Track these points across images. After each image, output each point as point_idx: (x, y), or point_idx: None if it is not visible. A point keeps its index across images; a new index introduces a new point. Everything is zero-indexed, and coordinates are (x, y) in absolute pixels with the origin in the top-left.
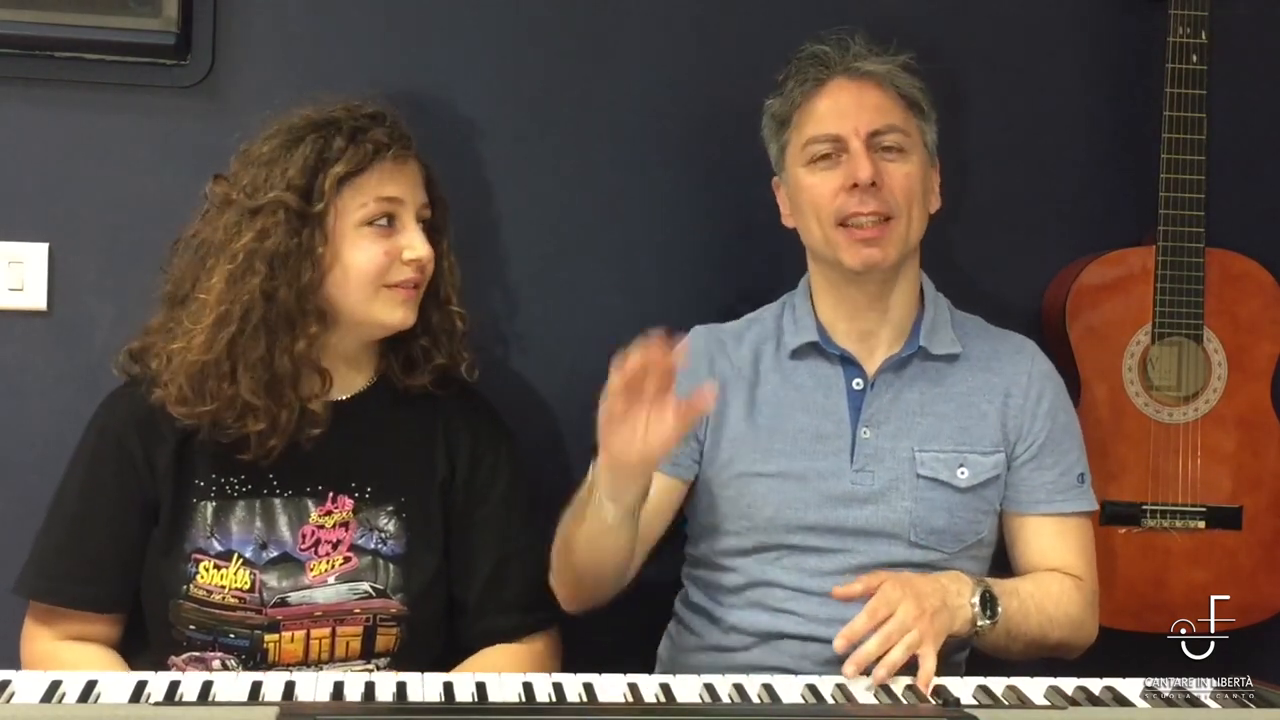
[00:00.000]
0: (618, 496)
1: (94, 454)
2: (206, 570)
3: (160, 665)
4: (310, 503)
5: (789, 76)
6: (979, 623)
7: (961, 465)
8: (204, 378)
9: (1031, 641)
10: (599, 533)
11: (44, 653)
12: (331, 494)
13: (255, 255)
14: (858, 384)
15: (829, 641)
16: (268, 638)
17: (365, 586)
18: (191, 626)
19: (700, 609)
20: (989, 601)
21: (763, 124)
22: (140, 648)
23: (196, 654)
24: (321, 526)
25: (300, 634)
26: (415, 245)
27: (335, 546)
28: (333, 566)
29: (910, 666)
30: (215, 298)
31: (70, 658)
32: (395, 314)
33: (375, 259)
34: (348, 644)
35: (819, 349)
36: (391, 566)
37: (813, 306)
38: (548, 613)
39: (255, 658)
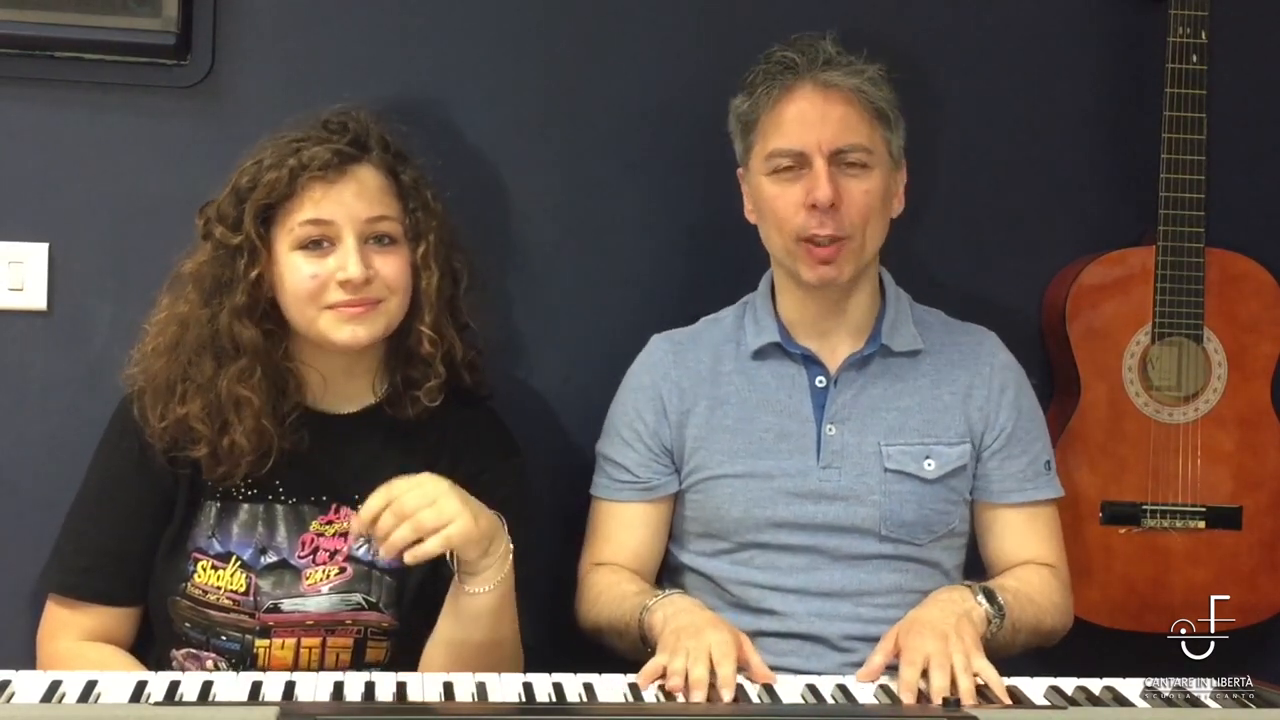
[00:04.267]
0: None
1: (117, 449)
2: (204, 570)
3: (163, 658)
4: (312, 511)
5: (756, 79)
6: (991, 620)
7: (928, 457)
8: (155, 399)
9: (1032, 631)
10: (633, 648)
11: (68, 652)
12: (334, 504)
13: (189, 283)
14: (820, 382)
15: (809, 638)
16: (258, 643)
17: (358, 598)
18: (187, 624)
19: None
20: (992, 597)
21: (729, 120)
22: (147, 639)
23: (193, 650)
24: (321, 535)
25: (291, 641)
26: (347, 266)
27: (332, 556)
28: (327, 576)
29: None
30: (155, 324)
31: (96, 657)
32: (341, 333)
33: (304, 283)
34: (337, 655)
35: (781, 349)
36: (386, 579)
37: (774, 307)
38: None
39: (245, 662)
